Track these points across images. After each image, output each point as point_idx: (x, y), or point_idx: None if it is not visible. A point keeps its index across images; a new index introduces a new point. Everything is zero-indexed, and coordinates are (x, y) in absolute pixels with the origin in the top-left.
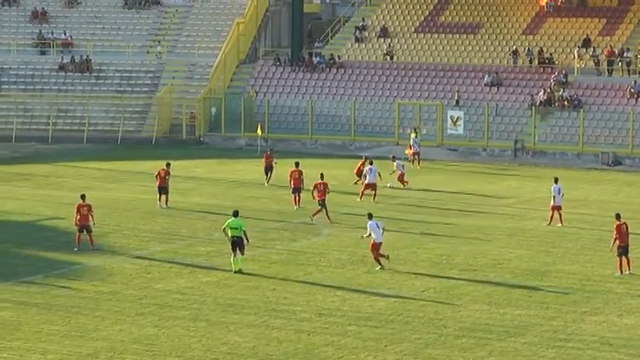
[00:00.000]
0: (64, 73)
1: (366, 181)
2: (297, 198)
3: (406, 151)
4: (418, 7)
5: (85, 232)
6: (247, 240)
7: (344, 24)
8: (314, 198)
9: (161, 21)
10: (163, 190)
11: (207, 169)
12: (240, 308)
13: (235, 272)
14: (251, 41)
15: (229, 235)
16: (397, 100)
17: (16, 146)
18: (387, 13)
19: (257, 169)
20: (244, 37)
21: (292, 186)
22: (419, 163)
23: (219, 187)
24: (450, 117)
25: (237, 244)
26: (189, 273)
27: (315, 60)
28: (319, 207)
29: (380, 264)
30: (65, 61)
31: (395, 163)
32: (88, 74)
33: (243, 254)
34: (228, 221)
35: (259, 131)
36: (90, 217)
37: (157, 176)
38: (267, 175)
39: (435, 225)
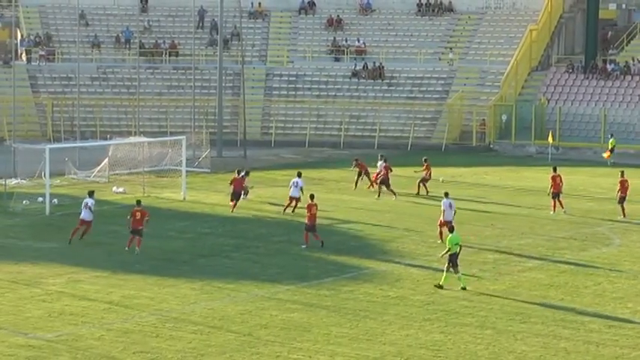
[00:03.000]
0: (357, 80)
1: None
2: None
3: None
4: None
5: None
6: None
7: None
8: None
9: (454, 28)
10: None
11: (497, 177)
12: (527, 317)
13: (439, 286)
14: (544, 48)
15: (450, 251)
16: None
17: (310, 151)
18: None
19: (547, 177)
20: (537, 43)
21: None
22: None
23: (508, 195)
24: None
25: (454, 259)
26: (477, 280)
27: (610, 67)
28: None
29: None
30: (358, 67)
31: None
32: (380, 81)
33: (457, 272)
34: (449, 237)
35: (550, 139)
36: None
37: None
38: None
39: None
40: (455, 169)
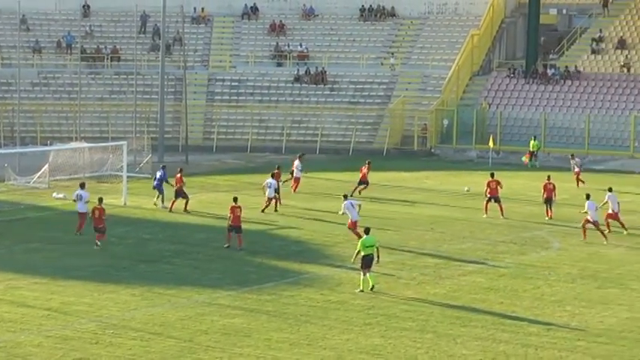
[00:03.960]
0: (299, 85)
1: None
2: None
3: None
4: None
5: (235, 233)
6: (378, 258)
7: (580, 35)
8: None
9: (396, 33)
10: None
11: (438, 181)
12: (467, 321)
13: (361, 291)
14: (485, 52)
15: (362, 253)
16: (633, 112)
17: (252, 156)
18: (626, 24)
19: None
20: (478, 48)
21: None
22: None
23: (448, 199)
24: None
25: (368, 263)
26: (417, 284)
27: (550, 72)
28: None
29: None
30: (301, 72)
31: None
32: (322, 86)
33: (370, 272)
34: (362, 240)
35: (491, 143)
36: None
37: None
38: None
39: None
40: (396, 174)
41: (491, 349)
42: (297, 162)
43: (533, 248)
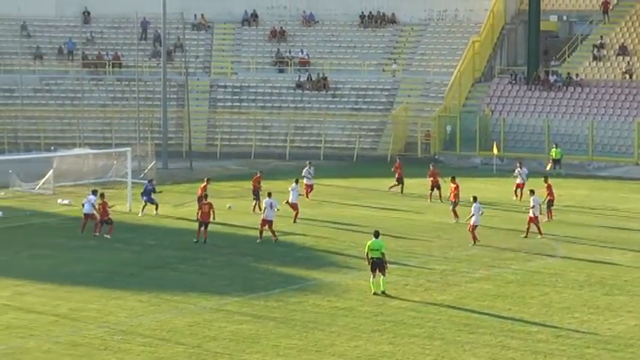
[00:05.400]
0: (301, 91)
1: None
2: None
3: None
4: None
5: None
6: (386, 263)
7: (581, 42)
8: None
9: (397, 39)
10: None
11: (442, 188)
12: (475, 328)
13: (375, 294)
14: (486, 59)
15: (368, 256)
16: (637, 119)
17: (255, 162)
18: (627, 30)
19: (492, 187)
20: (480, 55)
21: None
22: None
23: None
24: None
25: (377, 265)
26: (424, 291)
27: (552, 78)
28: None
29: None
30: (302, 79)
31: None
32: (324, 92)
33: (384, 275)
34: (369, 243)
35: (495, 150)
36: (211, 214)
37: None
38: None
39: None
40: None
41: (500, 356)
42: (306, 169)
43: (539, 255)
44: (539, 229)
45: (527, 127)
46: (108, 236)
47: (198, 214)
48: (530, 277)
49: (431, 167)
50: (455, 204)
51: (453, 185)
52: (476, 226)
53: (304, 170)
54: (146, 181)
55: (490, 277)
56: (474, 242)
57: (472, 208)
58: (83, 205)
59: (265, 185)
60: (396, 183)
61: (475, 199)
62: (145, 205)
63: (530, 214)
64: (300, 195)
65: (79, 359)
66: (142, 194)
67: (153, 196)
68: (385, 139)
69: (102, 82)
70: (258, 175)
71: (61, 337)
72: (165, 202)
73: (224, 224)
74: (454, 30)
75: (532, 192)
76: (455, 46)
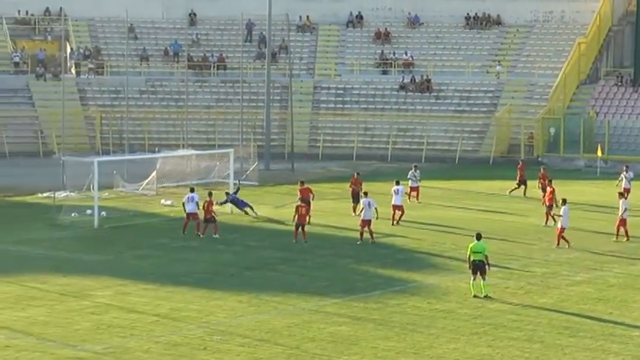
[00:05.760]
0: (404, 93)
1: None
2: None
3: None
4: None
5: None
6: (488, 265)
7: None
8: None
9: (502, 41)
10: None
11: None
12: (575, 331)
13: (475, 297)
14: (592, 61)
15: (470, 259)
16: None
17: (357, 164)
18: None
19: (595, 190)
20: (585, 56)
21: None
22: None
23: (556, 209)
24: None
25: (479, 267)
26: (524, 294)
27: None
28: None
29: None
30: (406, 80)
31: None
32: (428, 94)
33: (484, 279)
34: (471, 245)
35: (599, 152)
36: (307, 217)
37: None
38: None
39: None
40: (502, 183)
41: (601, 359)
42: (411, 172)
43: None
44: (626, 232)
45: (632, 130)
46: (216, 235)
47: (294, 217)
48: (632, 280)
49: (541, 170)
50: (550, 207)
51: (549, 189)
52: (564, 228)
53: (409, 173)
54: (231, 194)
55: (591, 280)
56: (558, 244)
57: (561, 211)
58: (183, 205)
59: (366, 187)
60: (517, 186)
61: (565, 201)
62: (248, 207)
63: (621, 218)
64: (406, 194)
65: (179, 359)
66: (238, 207)
67: (239, 196)
68: (488, 141)
69: (206, 84)
70: (356, 176)
71: (161, 337)
72: (266, 204)
73: (325, 225)
74: (560, 32)
75: (621, 195)
76: (560, 47)
